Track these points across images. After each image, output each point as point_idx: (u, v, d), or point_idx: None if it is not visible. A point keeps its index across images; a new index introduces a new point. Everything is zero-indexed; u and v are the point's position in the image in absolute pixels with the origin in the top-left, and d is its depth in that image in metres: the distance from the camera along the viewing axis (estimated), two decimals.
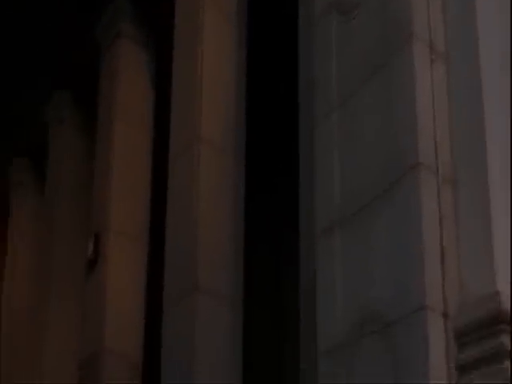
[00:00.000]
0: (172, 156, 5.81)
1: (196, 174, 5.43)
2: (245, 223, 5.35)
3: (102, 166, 6.96)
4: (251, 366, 5.35)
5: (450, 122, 3.32)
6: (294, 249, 4.49)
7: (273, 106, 6.29)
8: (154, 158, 6.82)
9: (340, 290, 3.49)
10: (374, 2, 3.58)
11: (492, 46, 3.33)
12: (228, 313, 5.07)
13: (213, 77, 5.56)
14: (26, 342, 8.45)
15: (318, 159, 3.79)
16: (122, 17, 7.15)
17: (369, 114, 3.53)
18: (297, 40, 4.56)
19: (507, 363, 2.86)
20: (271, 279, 6.21)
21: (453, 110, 3.33)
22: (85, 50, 7.98)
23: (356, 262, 3.48)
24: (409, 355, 3.06)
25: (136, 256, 6.51)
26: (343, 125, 3.68)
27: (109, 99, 7.10)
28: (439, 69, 3.32)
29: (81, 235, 7.41)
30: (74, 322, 7.31)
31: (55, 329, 7.47)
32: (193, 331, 4.98)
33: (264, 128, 6.18)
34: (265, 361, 5.89)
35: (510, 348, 2.87)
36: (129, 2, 7.16)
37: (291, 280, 5.25)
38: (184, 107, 5.75)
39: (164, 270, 5.57)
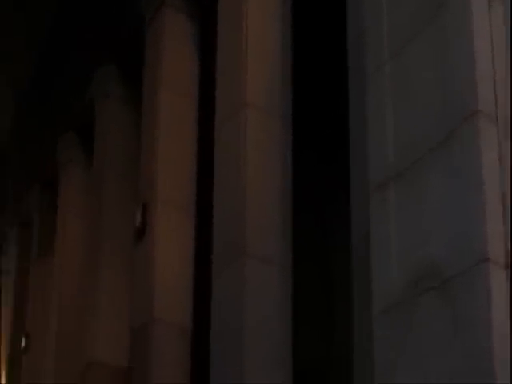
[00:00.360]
0: (218, 123, 5.69)
1: (243, 140, 5.29)
2: (293, 186, 5.21)
3: (148, 136, 6.87)
4: (301, 331, 5.23)
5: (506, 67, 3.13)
6: (342, 210, 4.33)
7: (320, 62, 6.11)
8: (200, 126, 6.70)
9: (395, 246, 3.34)
10: None
11: None
12: (277, 277, 4.95)
13: (258, 38, 5.41)
14: (76, 312, 8.46)
15: (370, 114, 3.62)
16: None
17: (423, 64, 3.35)
18: None
19: None
20: (319, 242, 6.07)
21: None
22: (129, 23, 7.90)
23: (411, 217, 3.32)
24: (470, 310, 2.90)
25: (183, 225, 6.41)
26: (396, 76, 3.50)
27: (154, 69, 6.99)
28: (498, 10, 3.12)
29: (129, 206, 7.34)
30: (124, 291, 7.26)
31: (105, 299, 7.43)
32: (242, 296, 4.86)
33: (311, 86, 6.01)
34: (315, 325, 5.77)
35: None
36: None
37: (339, 243, 5.12)
38: (229, 72, 5.61)
39: (211, 237, 5.47)
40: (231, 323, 4.92)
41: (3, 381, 13.37)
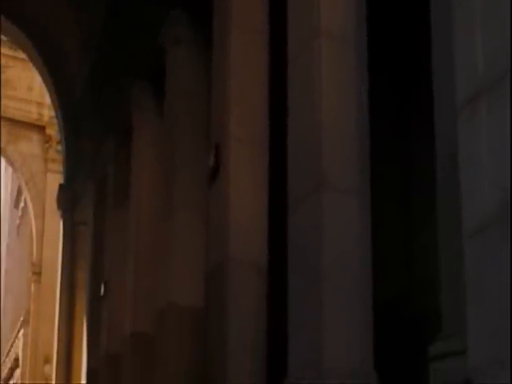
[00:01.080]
0: (291, 55, 5.43)
1: (317, 70, 5.03)
2: (369, 113, 4.93)
3: (219, 75, 6.66)
4: (380, 260, 4.99)
5: None
6: (422, 134, 4.05)
7: None
8: (272, 62, 6.45)
9: (486, 163, 3.06)
10: None
11: None
12: (356, 208, 4.70)
13: None
14: (153, 257, 8.41)
15: (458, 26, 3.31)
16: None
17: None
18: None
19: None
20: (398, 172, 5.79)
21: None
22: None
23: (503, 134, 3.03)
24: None
25: (257, 163, 6.20)
26: None
27: (224, 8, 6.76)
28: None
29: (201, 149, 7.18)
30: (199, 233, 7.14)
31: (181, 242, 7.31)
32: (321, 230, 4.64)
33: (387, 9, 5.69)
34: (394, 254, 5.52)
35: None
36: None
37: (418, 168, 4.85)
38: (302, 2, 5.33)
39: (286, 174, 5.26)
40: (309, 258, 4.71)
41: (84, 328, 13.58)
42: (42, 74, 18.16)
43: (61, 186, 18.71)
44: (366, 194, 4.75)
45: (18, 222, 36.98)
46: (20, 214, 35.34)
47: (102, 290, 11.54)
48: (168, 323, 7.29)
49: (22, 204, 33.78)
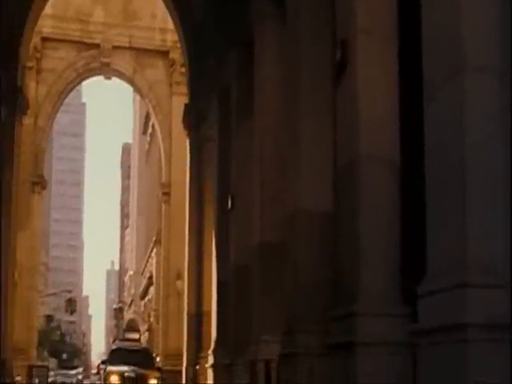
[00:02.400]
0: None
1: None
2: None
3: None
4: None
5: None
6: None
7: None
8: None
9: None
10: None
11: None
12: (496, 88, 4.16)
13: None
14: (279, 165, 8.13)
15: None
16: None
17: None
18: None
19: None
20: None
21: None
22: None
23: None
24: None
25: (386, 55, 5.68)
26: None
27: None
28: None
29: (326, 47, 6.72)
30: (326, 137, 6.75)
31: (307, 147, 6.93)
32: (461, 111, 4.14)
33: None
34: None
35: None
36: None
37: None
38: None
39: (418, 64, 4.76)
40: (449, 145, 4.23)
41: (213, 241, 13.61)
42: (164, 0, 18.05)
43: (186, 105, 18.71)
44: (506, 74, 4.20)
45: (146, 147, 37.75)
46: (148, 139, 35.98)
47: (229, 203, 11.41)
48: (297, 229, 7.00)
49: (149, 130, 34.37)
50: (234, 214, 11.18)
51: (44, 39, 21.28)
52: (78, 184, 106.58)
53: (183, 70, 19.60)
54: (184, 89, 18.88)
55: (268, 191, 8.79)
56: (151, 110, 23.01)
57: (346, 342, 5.56)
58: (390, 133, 5.55)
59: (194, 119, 17.21)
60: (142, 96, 23.87)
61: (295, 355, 6.76)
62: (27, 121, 18.86)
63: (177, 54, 21.02)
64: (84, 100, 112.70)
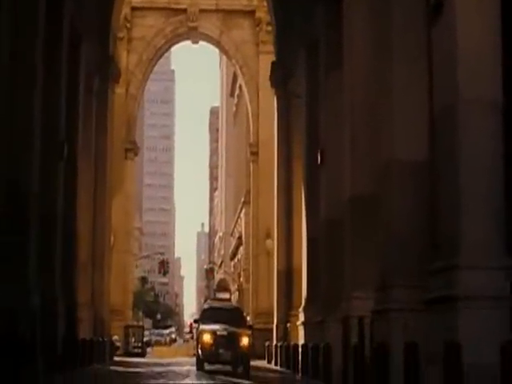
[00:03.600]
0: None
1: None
2: None
3: None
4: None
5: None
6: None
7: None
8: None
9: None
10: None
11: None
12: None
13: None
14: (369, 116, 7.79)
15: None
16: None
17: None
18: None
19: None
20: None
21: None
22: None
23: None
24: None
25: None
26: None
27: None
28: None
29: None
30: (419, 85, 6.36)
31: (400, 95, 6.57)
32: None
33: None
34: None
35: None
36: None
37: None
38: None
39: None
40: None
41: (303, 198, 13.35)
42: None
43: (273, 63, 18.32)
44: None
45: (234, 109, 37.64)
46: (236, 101, 35.83)
47: (319, 158, 11.08)
48: (390, 180, 6.67)
49: (237, 91, 34.17)
50: (324, 168, 10.89)
51: (133, 8, 21.34)
52: (169, 149, 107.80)
53: (269, 28, 19.31)
54: (270, 47, 18.59)
55: (359, 143, 8.45)
56: (238, 71, 22.81)
57: (445, 296, 5.24)
58: (491, 72, 5.14)
59: (281, 76, 16.92)
60: (228, 57, 23.71)
61: (389, 311, 6.48)
62: (119, 90, 19.03)
63: (263, 13, 20.74)
64: (173, 67, 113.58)
